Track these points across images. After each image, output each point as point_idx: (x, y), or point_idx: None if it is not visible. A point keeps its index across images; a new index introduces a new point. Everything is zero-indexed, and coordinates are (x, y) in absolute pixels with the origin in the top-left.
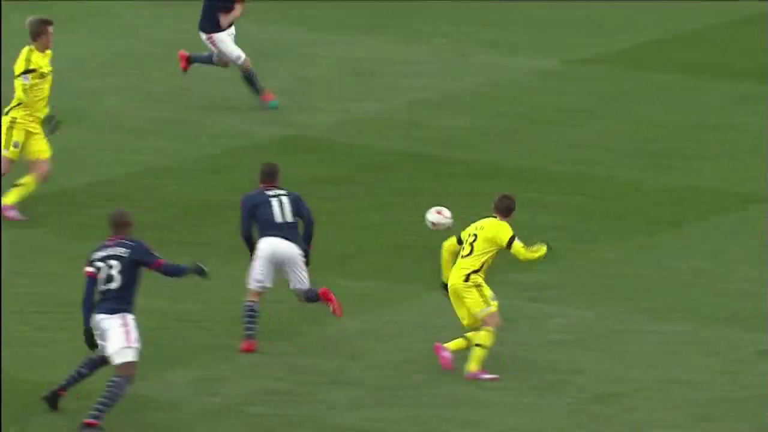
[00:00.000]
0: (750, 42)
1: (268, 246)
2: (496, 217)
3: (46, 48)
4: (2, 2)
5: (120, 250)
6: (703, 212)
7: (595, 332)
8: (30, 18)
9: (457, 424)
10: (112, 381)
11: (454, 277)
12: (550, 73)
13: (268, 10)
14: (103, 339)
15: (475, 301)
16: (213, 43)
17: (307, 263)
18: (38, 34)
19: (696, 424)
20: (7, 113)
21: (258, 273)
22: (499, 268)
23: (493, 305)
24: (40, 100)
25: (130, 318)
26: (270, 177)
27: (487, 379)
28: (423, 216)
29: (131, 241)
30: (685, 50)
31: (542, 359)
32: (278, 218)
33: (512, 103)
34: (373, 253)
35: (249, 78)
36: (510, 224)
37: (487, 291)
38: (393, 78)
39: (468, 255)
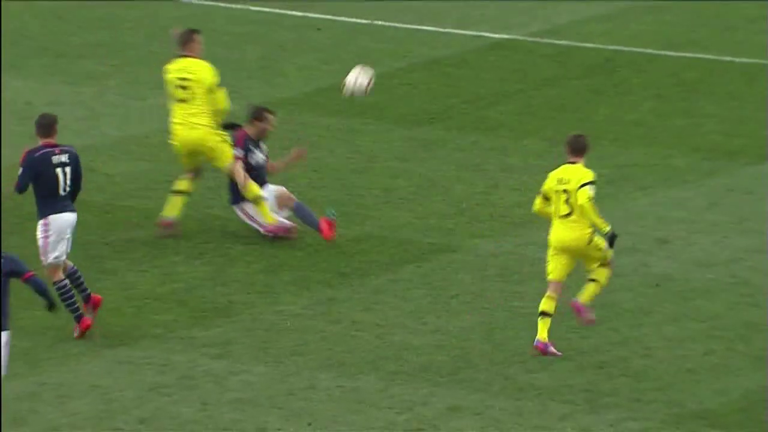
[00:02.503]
0: (430, 87)
1: (61, 223)
2: (574, 163)
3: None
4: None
5: None
6: (390, 262)
7: (281, 389)
8: (178, 30)
9: None
10: None
11: (569, 238)
12: None
13: None
14: None
15: (597, 256)
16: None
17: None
18: (187, 42)
19: None
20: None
21: (56, 249)
22: (181, 324)
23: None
24: None
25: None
26: (49, 130)
27: (554, 353)
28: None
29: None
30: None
31: (225, 419)
32: (62, 190)
33: None
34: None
35: None
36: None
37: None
38: (64, 122)
39: (568, 215)
